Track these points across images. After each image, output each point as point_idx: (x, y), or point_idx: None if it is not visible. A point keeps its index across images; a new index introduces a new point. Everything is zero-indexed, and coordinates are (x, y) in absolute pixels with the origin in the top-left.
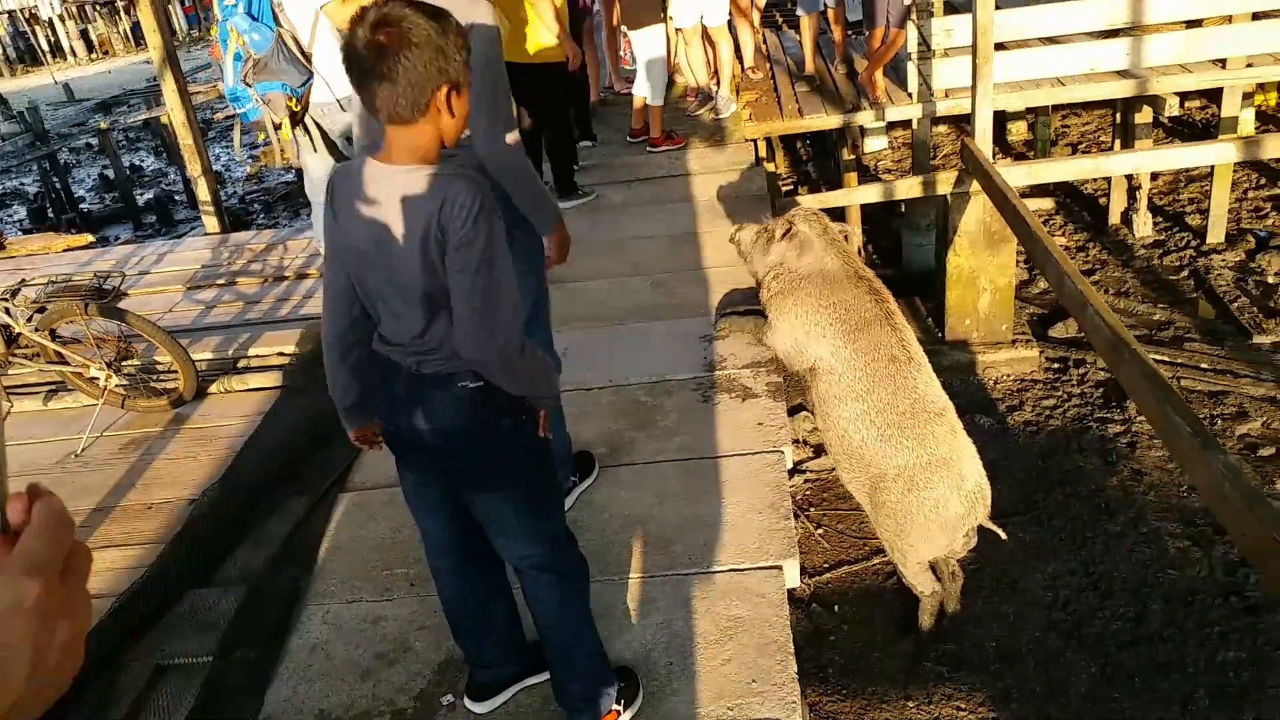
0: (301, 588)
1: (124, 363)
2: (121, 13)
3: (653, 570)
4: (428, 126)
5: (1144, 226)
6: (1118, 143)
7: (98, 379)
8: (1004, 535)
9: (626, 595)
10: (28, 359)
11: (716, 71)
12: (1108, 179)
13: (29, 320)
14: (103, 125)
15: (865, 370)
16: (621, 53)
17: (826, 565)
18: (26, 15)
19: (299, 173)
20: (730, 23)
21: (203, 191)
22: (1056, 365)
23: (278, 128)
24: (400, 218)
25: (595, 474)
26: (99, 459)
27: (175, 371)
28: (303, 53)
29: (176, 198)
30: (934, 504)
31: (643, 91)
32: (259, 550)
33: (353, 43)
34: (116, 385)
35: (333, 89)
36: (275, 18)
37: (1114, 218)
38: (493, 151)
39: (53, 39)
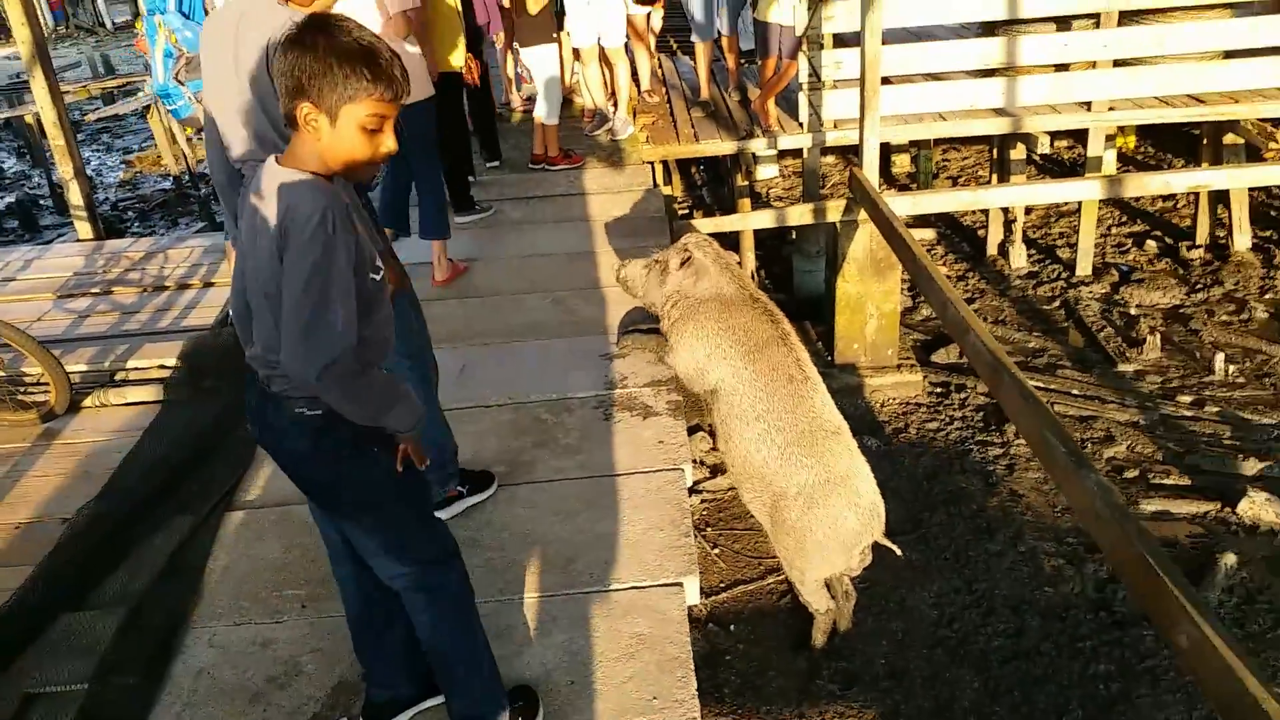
0: (186, 610)
1: None
2: None
3: (553, 589)
4: (301, 139)
5: (1019, 258)
6: (995, 177)
7: None
8: (899, 551)
9: (527, 614)
10: None
11: (614, 93)
12: (985, 212)
13: None
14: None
15: (765, 390)
16: (519, 70)
17: (723, 585)
18: None
19: (176, 180)
20: (627, 46)
21: (75, 195)
22: (939, 389)
23: None
24: (264, 218)
25: (490, 491)
26: None
27: (46, 383)
28: None
29: (42, 202)
30: (832, 521)
31: (539, 111)
32: (139, 571)
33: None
34: None
35: None
36: (208, 15)
37: (991, 249)
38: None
39: None
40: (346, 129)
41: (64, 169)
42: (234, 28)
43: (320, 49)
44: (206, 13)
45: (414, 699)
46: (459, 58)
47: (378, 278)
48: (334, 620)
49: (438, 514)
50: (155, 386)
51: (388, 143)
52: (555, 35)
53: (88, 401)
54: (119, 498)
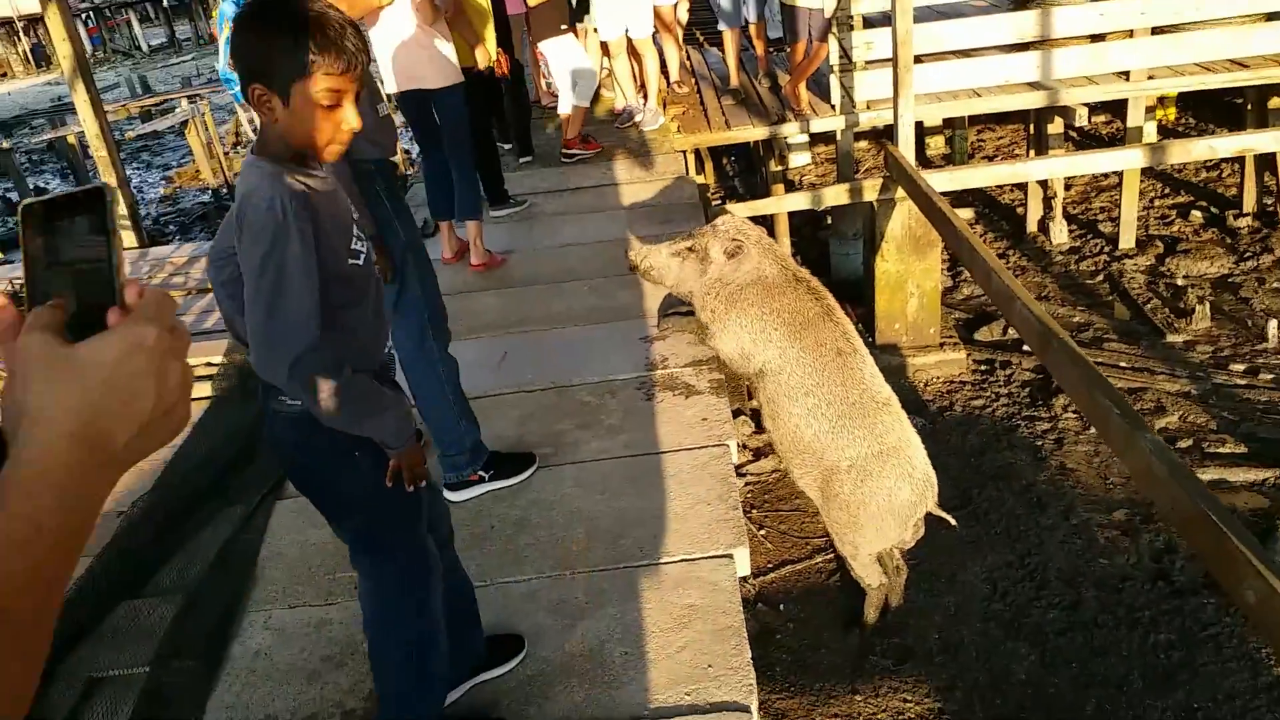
0: (241, 595)
1: None
2: (20, 34)
3: (603, 564)
4: (264, 123)
5: (1060, 234)
6: (1032, 153)
7: None
8: (953, 521)
9: (578, 590)
10: None
11: (643, 85)
12: (1024, 189)
13: None
14: (4, 145)
15: (813, 365)
16: (543, 66)
17: (770, 565)
18: None
19: (215, 193)
20: (655, 38)
21: (119, 205)
22: (984, 367)
23: None
24: (234, 208)
25: (523, 476)
26: None
27: None
28: None
29: None
30: (886, 493)
31: (567, 108)
32: (194, 560)
33: None
34: None
35: None
36: None
37: (1031, 226)
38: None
39: None
40: (302, 107)
41: (108, 180)
42: None
43: (264, 25)
44: None
45: (463, 677)
46: (489, 49)
47: (359, 262)
48: None
49: (453, 496)
50: (203, 383)
51: (349, 119)
52: (568, 26)
53: None
54: (172, 491)
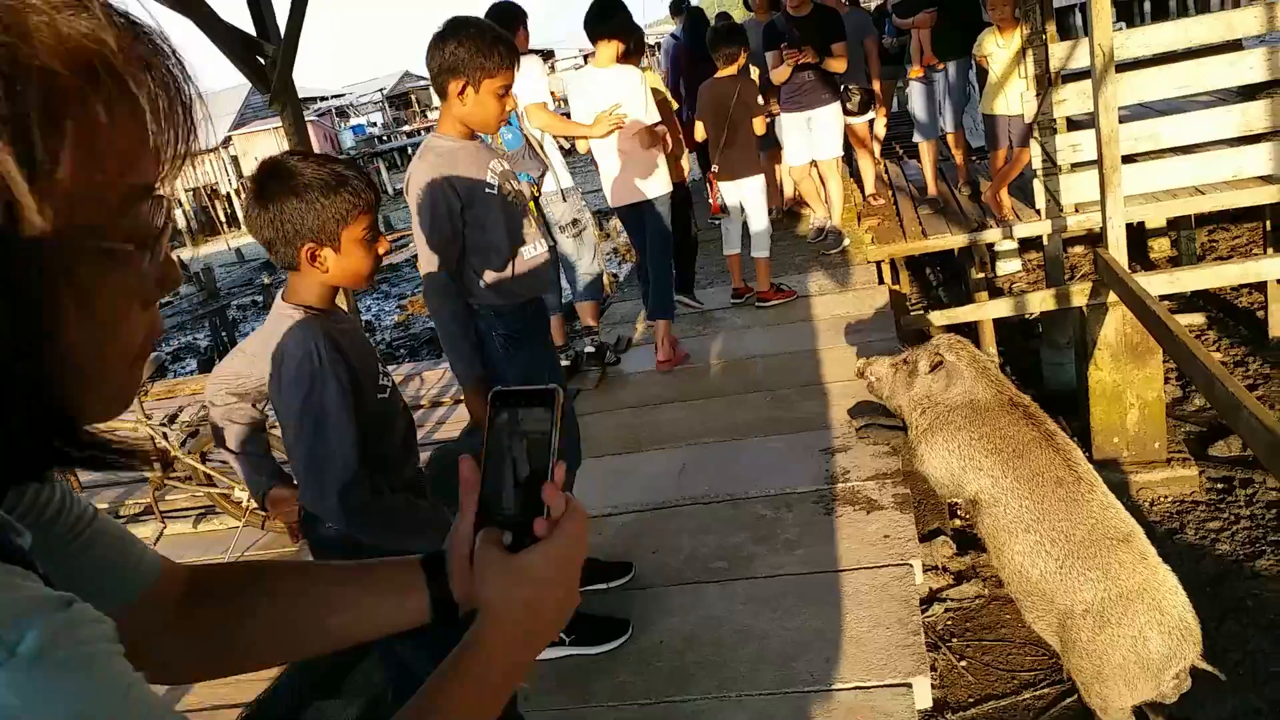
0: None
1: None
2: None
3: (773, 687)
4: (302, 277)
5: None
6: (1269, 250)
7: (241, 500)
8: (1222, 676)
9: (744, 714)
10: (181, 481)
11: (828, 206)
12: (1264, 291)
13: (183, 444)
14: (266, 281)
15: (1031, 497)
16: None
17: (971, 700)
18: (208, 191)
19: None
20: (851, 155)
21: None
22: (1220, 485)
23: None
24: (267, 357)
25: (602, 649)
26: None
27: None
28: (534, 151)
29: None
30: (1131, 642)
31: (735, 248)
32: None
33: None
34: (256, 507)
35: (559, 180)
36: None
37: (1275, 330)
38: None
39: (229, 210)
40: (352, 250)
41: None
42: None
43: (309, 192)
44: (519, 119)
45: None
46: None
47: (386, 396)
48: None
49: None
50: None
51: (383, 244)
52: (759, 167)
53: None
54: None
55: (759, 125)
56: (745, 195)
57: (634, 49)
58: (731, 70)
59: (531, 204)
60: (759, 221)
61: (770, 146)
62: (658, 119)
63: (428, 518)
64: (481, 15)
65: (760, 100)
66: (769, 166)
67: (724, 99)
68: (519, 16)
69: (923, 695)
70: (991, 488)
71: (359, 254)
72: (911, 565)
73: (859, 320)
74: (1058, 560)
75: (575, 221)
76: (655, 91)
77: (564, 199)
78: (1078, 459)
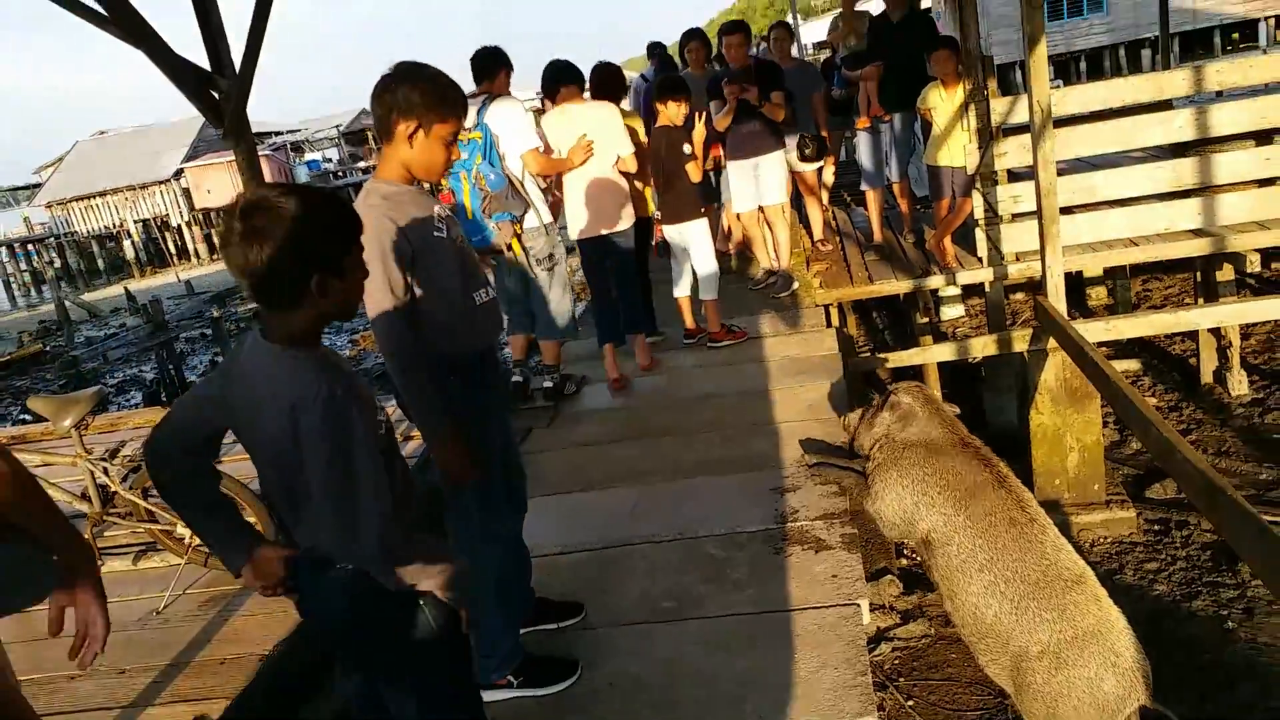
0: None
1: None
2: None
3: None
4: (301, 314)
5: (1240, 384)
6: (1200, 301)
7: (183, 538)
8: (1174, 717)
9: None
10: (121, 517)
11: (775, 251)
12: (1195, 339)
13: (124, 480)
14: (216, 314)
15: (984, 536)
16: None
17: None
18: (158, 223)
19: None
20: (799, 201)
21: None
22: (1157, 527)
23: (509, 248)
24: (262, 401)
25: (549, 690)
26: (179, 616)
27: (257, 528)
28: (516, 190)
29: None
30: (1085, 684)
31: (685, 291)
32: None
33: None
34: (199, 544)
35: (540, 216)
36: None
37: (1206, 377)
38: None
39: (179, 243)
40: (354, 278)
41: None
42: None
43: (322, 222)
44: (501, 159)
45: None
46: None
47: (384, 433)
48: None
49: None
50: None
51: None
52: (703, 210)
53: None
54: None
55: (693, 171)
56: (689, 238)
57: (602, 89)
58: (668, 120)
59: (515, 240)
60: (705, 264)
61: (710, 200)
62: (631, 149)
63: (443, 554)
64: (434, 58)
65: (687, 149)
66: (712, 215)
67: (658, 147)
68: (503, 60)
69: None
70: (944, 525)
71: (358, 284)
72: (859, 605)
73: (808, 362)
74: (1013, 601)
75: (551, 256)
76: (632, 131)
77: (545, 234)
78: (1029, 500)
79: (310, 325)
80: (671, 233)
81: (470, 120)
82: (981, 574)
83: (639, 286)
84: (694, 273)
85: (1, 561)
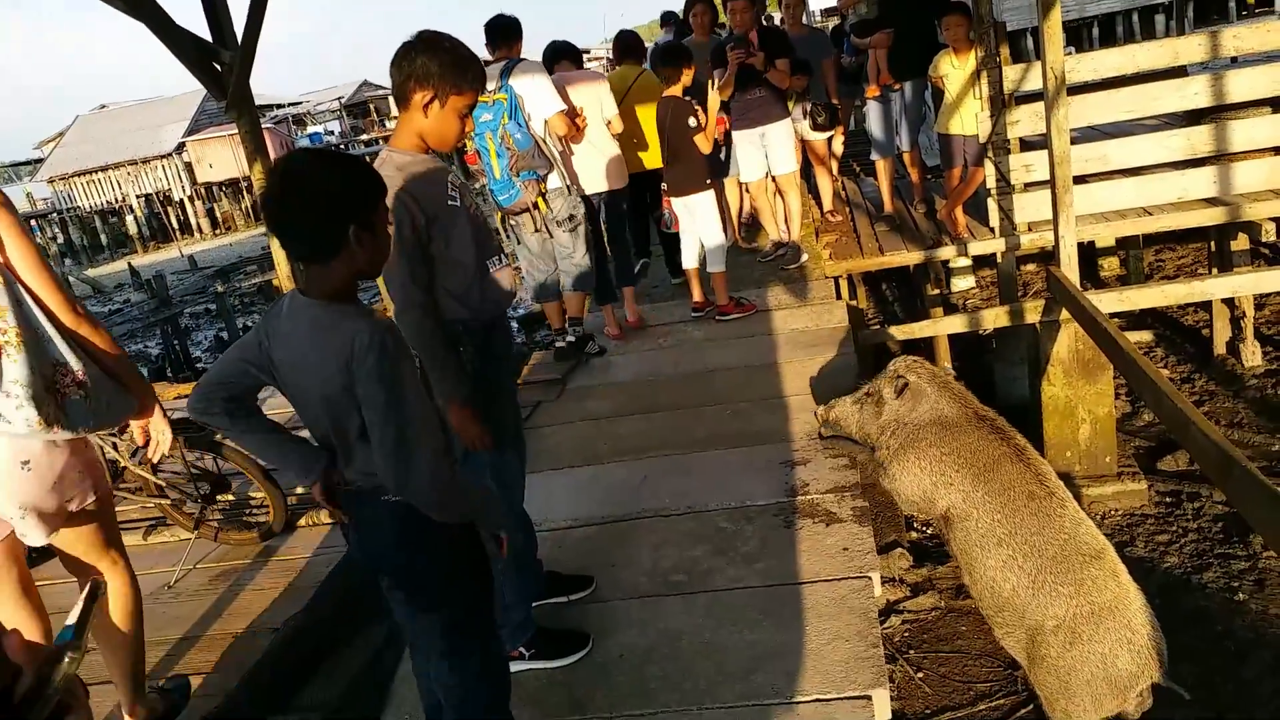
0: (377, 713)
1: (219, 497)
2: (244, 192)
3: (733, 701)
4: (339, 265)
5: (1253, 356)
6: (1214, 271)
7: (193, 512)
8: (1186, 695)
9: None
10: (131, 492)
11: (786, 221)
12: (1209, 309)
13: (134, 455)
14: (220, 289)
15: (1003, 511)
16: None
17: (929, 711)
18: (160, 197)
19: None
20: (809, 170)
21: None
22: (1169, 499)
23: (535, 206)
24: (309, 353)
25: (561, 662)
26: (190, 590)
27: (267, 505)
28: (540, 151)
29: None
30: (1100, 659)
31: (693, 263)
32: (335, 680)
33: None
34: (211, 518)
35: (563, 178)
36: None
37: (1219, 348)
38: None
39: (182, 218)
40: (383, 234)
41: None
42: None
43: (358, 179)
44: (526, 123)
45: None
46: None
47: (420, 375)
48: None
49: None
50: None
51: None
52: (709, 182)
53: (302, 521)
54: (323, 610)
55: (702, 143)
56: (695, 211)
57: (626, 54)
58: (673, 90)
59: (540, 200)
60: (712, 237)
61: (719, 174)
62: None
63: (483, 489)
64: (442, 29)
65: (692, 121)
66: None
67: (662, 119)
68: (518, 30)
69: (882, 708)
70: (963, 502)
71: (386, 239)
72: (870, 578)
73: (818, 334)
74: (1030, 575)
75: (571, 217)
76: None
77: (566, 194)
78: (1048, 473)
79: (348, 278)
80: (678, 205)
81: (493, 84)
82: (1000, 548)
83: (627, 242)
84: (701, 245)
85: (109, 392)
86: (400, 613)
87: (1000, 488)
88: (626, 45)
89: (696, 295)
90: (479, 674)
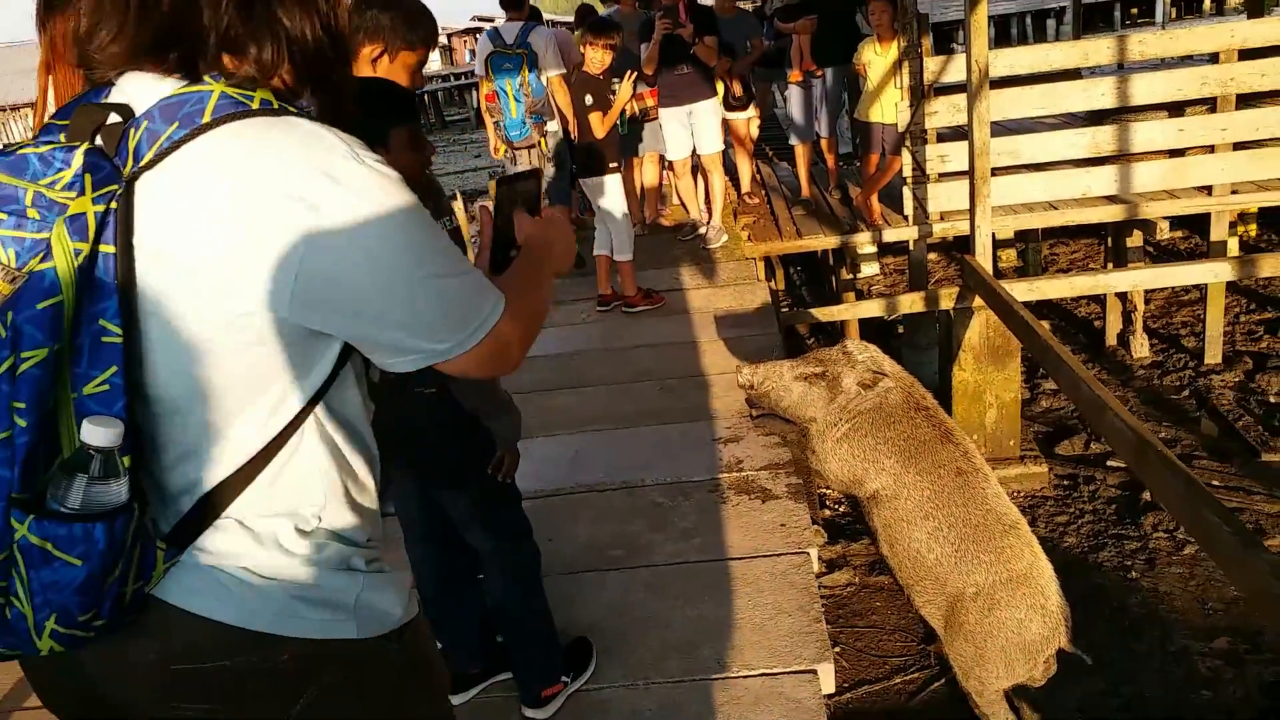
0: None
1: None
2: None
3: (680, 675)
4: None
5: (1141, 348)
6: (1110, 266)
7: None
8: (1089, 660)
9: (652, 702)
10: None
11: (708, 202)
12: (1101, 303)
13: None
14: None
15: (933, 488)
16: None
17: (846, 685)
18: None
19: None
20: (728, 151)
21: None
22: (1066, 482)
23: (536, 144)
24: None
25: (591, 668)
26: None
27: None
28: (549, 101)
29: None
30: (1016, 625)
31: (604, 249)
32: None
33: None
34: None
35: (561, 124)
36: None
37: (1110, 339)
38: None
39: None
40: (401, 157)
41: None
42: None
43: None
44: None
45: (487, 673)
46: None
47: None
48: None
49: (538, 713)
50: None
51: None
52: (617, 165)
53: None
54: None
55: (595, 124)
56: (598, 193)
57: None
58: (588, 65)
59: (542, 140)
60: (617, 222)
61: (629, 153)
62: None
63: (507, 399)
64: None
65: (588, 99)
66: (627, 175)
67: (579, 95)
68: None
69: (827, 681)
70: (892, 483)
71: (407, 160)
72: (809, 554)
73: (742, 315)
74: (954, 544)
75: (558, 153)
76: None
77: (565, 135)
78: (973, 452)
79: None
80: (586, 185)
81: (512, 39)
82: (926, 520)
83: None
84: (609, 231)
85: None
86: (408, 498)
87: (930, 466)
88: (583, 17)
89: (601, 285)
90: (518, 534)
